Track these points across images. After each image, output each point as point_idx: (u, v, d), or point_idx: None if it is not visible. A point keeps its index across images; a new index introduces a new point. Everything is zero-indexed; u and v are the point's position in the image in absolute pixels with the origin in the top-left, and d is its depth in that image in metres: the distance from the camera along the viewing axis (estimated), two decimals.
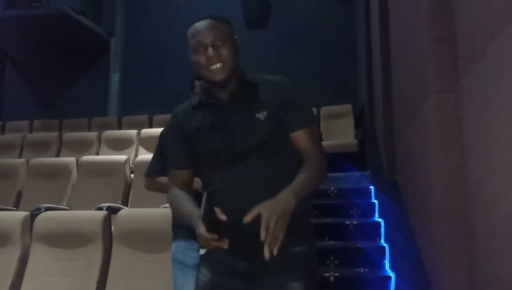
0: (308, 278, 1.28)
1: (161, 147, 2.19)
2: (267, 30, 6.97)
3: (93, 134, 5.53)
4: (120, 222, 2.68)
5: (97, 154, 5.32)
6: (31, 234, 2.78)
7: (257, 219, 1.22)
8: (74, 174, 4.19)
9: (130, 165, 4.18)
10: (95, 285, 2.55)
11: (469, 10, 1.14)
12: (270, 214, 1.11)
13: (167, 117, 6.66)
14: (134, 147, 5.29)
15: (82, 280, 2.60)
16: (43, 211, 3.10)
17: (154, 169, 2.13)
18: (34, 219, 2.83)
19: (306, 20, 6.66)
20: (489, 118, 1.01)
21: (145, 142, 5.29)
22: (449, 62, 1.24)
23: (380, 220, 3.55)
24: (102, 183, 4.00)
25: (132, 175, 4.05)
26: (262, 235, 1.09)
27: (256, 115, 1.31)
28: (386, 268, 3.11)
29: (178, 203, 1.36)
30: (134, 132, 5.42)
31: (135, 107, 6.93)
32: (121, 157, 4.16)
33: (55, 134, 5.78)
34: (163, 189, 2.17)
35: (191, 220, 1.22)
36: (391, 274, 2.92)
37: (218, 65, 1.30)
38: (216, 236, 1.13)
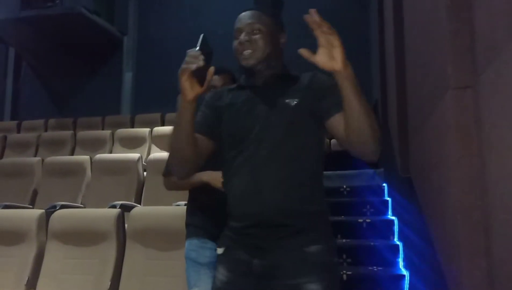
0: (326, 279, 1.22)
1: None
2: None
3: (107, 133, 5.58)
4: (133, 220, 2.69)
5: (111, 152, 5.37)
6: (47, 232, 2.82)
7: (274, 210, 1.19)
8: (88, 172, 4.23)
9: (143, 163, 4.21)
10: (109, 283, 2.57)
11: (489, 4, 1.11)
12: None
13: None
14: (146, 145, 5.32)
15: (96, 277, 2.62)
16: (58, 209, 3.15)
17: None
18: (50, 217, 2.86)
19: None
20: (510, 115, 0.98)
21: (157, 140, 5.32)
22: (468, 57, 1.21)
23: (393, 218, 3.51)
24: (115, 181, 4.03)
25: (145, 173, 4.08)
26: (312, 11, 1.08)
27: (286, 100, 1.30)
28: (400, 266, 3.07)
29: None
30: (146, 130, 5.45)
31: (147, 105, 6.97)
32: (134, 155, 4.18)
33: (69, 132, 5.84)
34: (182, 187, 2.18)
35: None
36: (405, 273, 2.89)
37: (248, 51, 1.32)
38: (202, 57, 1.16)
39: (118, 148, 5.41)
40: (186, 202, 3.20)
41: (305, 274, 1.21)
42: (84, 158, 4.35)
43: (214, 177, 1.89)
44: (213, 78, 2.09)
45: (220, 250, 1.32)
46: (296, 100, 1.29)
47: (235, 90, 1.42)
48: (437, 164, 1.57)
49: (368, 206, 3.72)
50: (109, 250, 2.67)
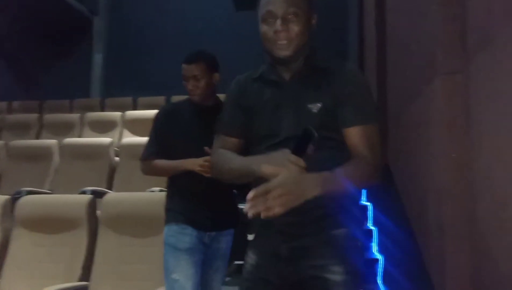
0: (349, 262, 1.21)
1: (156, 129, 2.12)
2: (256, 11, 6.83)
3: (75, 116, 5.38)
4: (107, 206, 2.60)
5: (80, 136, 5.18)
6: (13, 218, 2.69)
7: (303, 207, 1.11)
8: (56, 157, 4.07)
9: (115, 148, 4.08)
10: (81, 271, 2.49)
11: None
12: (280, 184, 1.01)
13: (152, 99, 6.54)
14: (118, 130, 5.16)
15: (67, 265, 2.52)
16: (24, 195, 3.01)
17: (150, 152, 2.07)
18: (15, 203, 2.73)
19: None
20: (500, 102, 0.97)
21: (129, 125, 5.16)
22: (458, 42, 1.20)
23: (367, 203, 3.56)
24: (85, 166, 3.89)
25: (117, 159, 3.96)
26: (250, 195, 0.99)
27: (309, 106, 1.23)
28: (374, 251, 3.12)
29: (228, 159, 1.27)
30: (118, 114, 5.28)
31: (118, 89, 6.75)
32: (105, 139, 4.05)
33: (35, 115, 5.60)
34: (160, 172, 2.11)
35: (255, 163, 1.14)
36: (380, 257, 2.94)
37: (284, 41, 1.22)
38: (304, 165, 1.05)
39: (87, 132, 5.22)
40: (160, 188, 3.15)
41: (329, 257, 1.21)
42: (52, 142, 4.17)
43: (198, 164, 1.85)
44: (189, 67, 2.01)
45: (250, 237, 1.32)
46: (319, 104, 1.22)
47: (258, 83, 1.33)
48: (420, 149, 1.57)
49: None
50: (81, 237, 2.57)
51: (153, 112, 6.01)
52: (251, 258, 1.32)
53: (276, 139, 1.24)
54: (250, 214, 0.99)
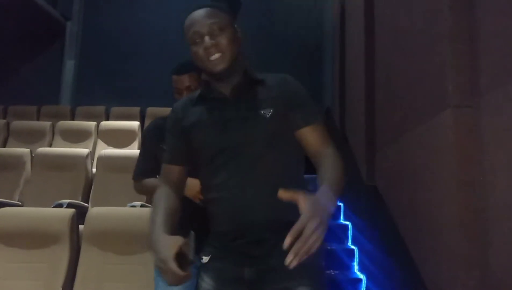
0: (316, 282, 1.22)
1: (145, 146, 2.07)
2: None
3: (46, 124, 5.16)
4: (91, 221, 2.51)
5: (50, 145, 4.98)
6: None
7: (263, 223, 1.17)
8: (28, 166, 3.88)
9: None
10: (61, 288, 2.38)
11: (496, 28, 1.17)
12: (311, 216, 0.96)
13: (125, 110, 6.41)
14: (92, 140, 5.01)
15: (46, 282, 2.40)
16: None
17: (139, 171, 2.01)
18: None
19: (275, 18, 6.68)
20: None
21: (104, 136, 5.03)
22: (469, 77, 1.27)
23: (347, 222, 3.63)
24: (59, 177, 3.74)
25: (94, 170, 3.83)
26: (288, 241, 0.94)
27: (261, 112, 1.24)
28: (355, 270, 3.18)
29: (155, 210, 1.27)
30: (92, 124, 5.13)
31: (90, 97, 6.56)
32: (82, 150, 3.91)
33: (1, 121, 5.33)
34: (152, 192, 2.04)
35: (155, 243, 1.13)
36: (362, 276, 3.00)
37: (217, 55, 1.23)
38: (189, 275, 1.06)
39: (59, 141, 5.02)
40: (141, 202, 3.07)
41: (296, 277, 1.18)
42: (23, 150, 3.98)
43: (196, 191, 1.79)
44: (181, 78, 1.98)
45: (205, 259, 1.27)
46: (270, 109, 1.25)
47: (198, 103, 1.33)
48: (424, 178, 1.63)
49: None
50: (61, 253, 2.46)
51: (129, 124, 5.86)
52: (206, 282, 1.25)
53: (231, 152, 1.23)
54: (294, 264, 0.94)
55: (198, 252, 1.88)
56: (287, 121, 1.26)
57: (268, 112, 1.24)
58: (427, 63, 1.55)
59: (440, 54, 1.40)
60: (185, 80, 1.88)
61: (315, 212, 0.97)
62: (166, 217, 1.23)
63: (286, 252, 1.09)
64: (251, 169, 1.22)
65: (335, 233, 3.47)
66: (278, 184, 1.13)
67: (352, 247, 3.34)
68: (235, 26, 1.30)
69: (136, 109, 6.00)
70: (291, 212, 1.13)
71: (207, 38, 1.23)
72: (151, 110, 5.85)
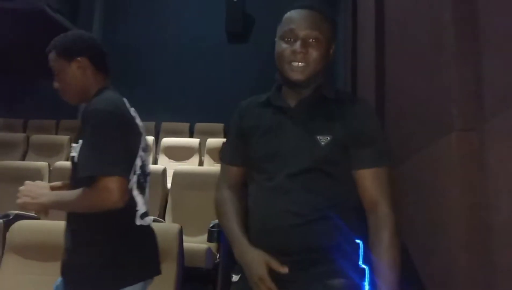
0: None
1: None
2: (249, 44, 7.01)
3: (64, 138, 5.30)
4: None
5: (68, 159, 5.10)
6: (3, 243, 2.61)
7: (296, 249, 1.13)
8: (46, 180, 3.98)
9: None
10: None
11: (501, 55, 1.20)
12: None
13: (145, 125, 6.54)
14: None
15: None
16: (11, 218, 2.93)
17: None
18: (6, 227, 2.65)
19: None
20: None
21: None
22: (474, 101, 1.30)
23: (358, 241, 3.61)
24: None
25: None
26: None
27: (318, 137, 1.16)
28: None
29: (225, 216, 1.24)
30: None
31: None
32: None
33: (21, 135, 5.49)
34: None
35: (244, 256, 1.15)
36: None
37: (300, 64, 1.17)
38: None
39: None
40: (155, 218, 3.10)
41: None
42: (42, 164, 4.09)
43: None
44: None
45: (235, 278, 1.26)
46: (328, 137, 1.16)
47: (263, 106, 1.28)
48: (426, 201, 1.65)
49: None
50: None
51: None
52: None
53: (274, 166, 1.18)
54: None
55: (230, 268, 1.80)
56: (346, 153, 1.18)
57: (324, 139, 1.16)
58: (434, 86, 1.58)
59: (447, 78, 1.43)
60: (50, 59, 1.61)
61: None
62: (240, 225, 1.21)
63: (315, 279, 1.14)
64: (286, 192, 1.17)
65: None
66: (318, 205, 1.13)
67: (363, 266, 3.31)
68: (333, 42, 1.23)
69: (151, 124, 6.13)
70: (325, 238, 1.14)
71: (299, 43, 1.17)
72: (166, 125, 5.99)
